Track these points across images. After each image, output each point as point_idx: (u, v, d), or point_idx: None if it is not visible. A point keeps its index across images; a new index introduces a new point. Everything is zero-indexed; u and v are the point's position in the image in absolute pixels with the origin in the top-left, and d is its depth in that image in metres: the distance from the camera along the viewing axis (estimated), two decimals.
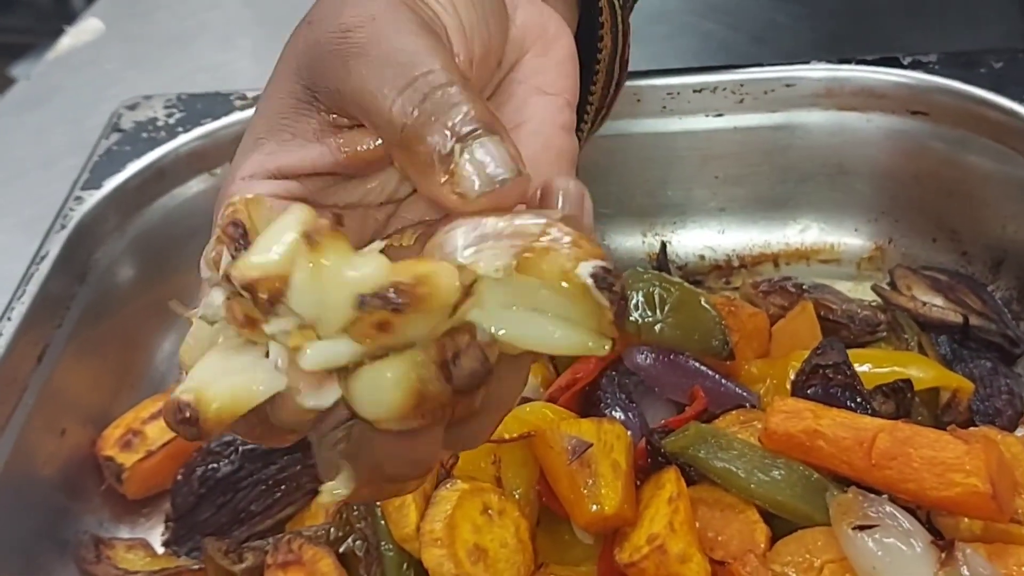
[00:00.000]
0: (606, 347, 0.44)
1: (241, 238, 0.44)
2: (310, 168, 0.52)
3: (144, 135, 1.01)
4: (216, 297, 0.45)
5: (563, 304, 0.44)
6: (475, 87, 0.50)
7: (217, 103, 1.02)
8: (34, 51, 1.88)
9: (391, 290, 0.41)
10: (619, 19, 0.74)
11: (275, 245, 0.42)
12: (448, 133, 0.46)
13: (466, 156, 0.46)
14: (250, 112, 0.99)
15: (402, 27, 0.49)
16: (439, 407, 0.44)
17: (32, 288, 0.87)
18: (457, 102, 0.47)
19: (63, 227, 0.92)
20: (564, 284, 0.43)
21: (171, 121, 1.02)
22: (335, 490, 0.47)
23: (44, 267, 0.89)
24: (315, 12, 0.54)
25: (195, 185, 1.00)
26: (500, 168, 0.45)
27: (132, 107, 1.05)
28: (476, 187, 0.45)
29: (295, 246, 0.42)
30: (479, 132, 0.46)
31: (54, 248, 0.90)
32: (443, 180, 0.46)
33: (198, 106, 1.03)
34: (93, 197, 0.95)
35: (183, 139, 0.99)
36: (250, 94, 1.02)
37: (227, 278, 0.43)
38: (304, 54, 0.52)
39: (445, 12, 0.54)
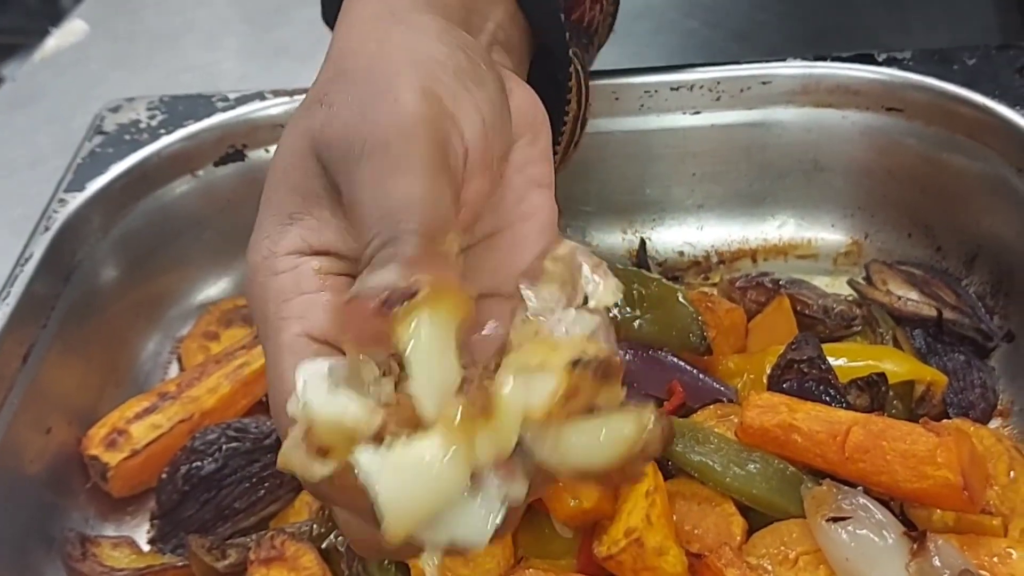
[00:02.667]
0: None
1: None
2: (350, 252, 0.56)
3: (127, 137, 1.01)
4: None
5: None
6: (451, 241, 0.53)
7: (199, 105, 1.02)
8: (23, 51, 1.88)
9: None
10: (584, 83, 0.75)
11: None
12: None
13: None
14: (232, 113, 1.00)
15: (409, 164, 0.53)
16: None
17: (17, 289, 0.88)
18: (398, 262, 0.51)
19: (47, 229, 0.92)
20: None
21: (153, 123, 1.02)
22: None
23: (29, 268, 0.89)
24: (334, 96, 0.56)
25: (177, 187, 1.00)
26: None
27: (115, 109, 1.05)
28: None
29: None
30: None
31: (38, 249, 0.91)
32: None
33: (180, 108, 1.03)
34: (76, 199, 0.95)
35: (165, 141, 0.99)
36: (232, 95, 1.02)
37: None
38: (322, 144, 0.56)
39: (468, 118, 0.56)
